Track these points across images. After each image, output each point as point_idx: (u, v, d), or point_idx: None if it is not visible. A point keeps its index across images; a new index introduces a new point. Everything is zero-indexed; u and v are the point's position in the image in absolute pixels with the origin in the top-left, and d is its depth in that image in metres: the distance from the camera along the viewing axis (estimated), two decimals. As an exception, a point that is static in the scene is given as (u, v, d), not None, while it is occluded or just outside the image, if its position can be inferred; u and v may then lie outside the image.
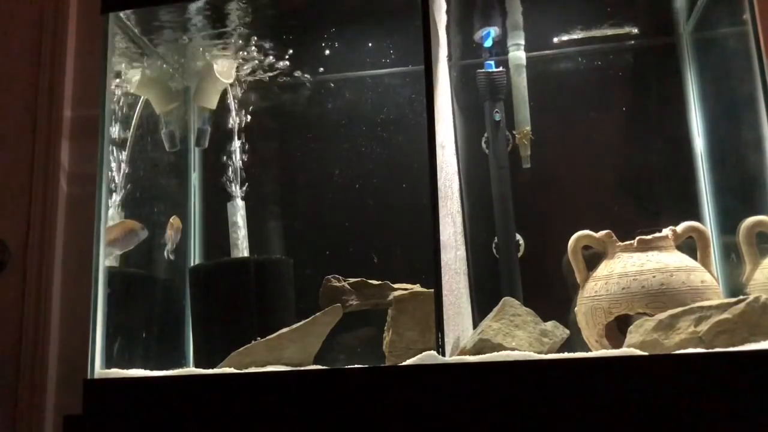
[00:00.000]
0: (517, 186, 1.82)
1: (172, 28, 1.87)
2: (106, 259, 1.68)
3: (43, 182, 1.94)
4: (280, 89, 2.07)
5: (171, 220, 1.87)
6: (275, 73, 2.03)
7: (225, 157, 2.00)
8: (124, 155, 1.86)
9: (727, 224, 1.67)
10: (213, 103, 1.98)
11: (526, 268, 1.78)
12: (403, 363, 1.37)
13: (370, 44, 2.02)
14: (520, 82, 1.84)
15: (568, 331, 1.49)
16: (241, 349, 1.53)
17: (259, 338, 1.55)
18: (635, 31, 1.89)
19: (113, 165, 1.82)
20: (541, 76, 1.90)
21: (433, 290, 1.43)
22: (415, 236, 1.70)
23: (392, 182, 1.93)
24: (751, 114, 1.50)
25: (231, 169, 1.98)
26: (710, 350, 1.26)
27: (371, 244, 1.90)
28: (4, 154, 1.99)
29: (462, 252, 1.71)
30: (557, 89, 1.91)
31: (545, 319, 1.49)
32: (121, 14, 1.79)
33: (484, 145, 1.87)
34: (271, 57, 1.99)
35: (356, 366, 1.39)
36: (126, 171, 1.85)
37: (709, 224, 1.76)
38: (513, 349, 1.39)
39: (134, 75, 1.93)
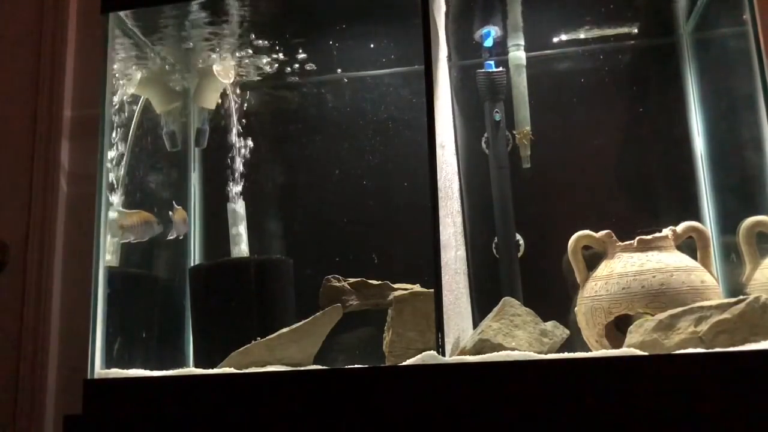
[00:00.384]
0: (517, 186, 1.82)
1: (172, 28, 1.87)
2: (106, 258, 1.68)
3: (43, 182, 1.94)
4: (279, 89, 2.07)
5: (177, 209, 1.88)
6: (275, 73, 2.03)
7: (225, 157, 2.00)
8: (124, 155, 1.86)
9: (727, 224, 1.67)
10: (212, 103, 1.98)
11: (526, 268, 1.78)
12: (403, 363, 1.37)
13: (370, 44, 2.02)
14: (520, 82, 1.84)
15: (568, 331, 1.49)
16: (241, 349, 1.53)
17: (259, 338, 1.55)
18: (635, 31, 1.89)
19: (112, 165, 1.82)
20: (541, 76, 1.90)
21: (433, 290, 1.43)
22: (415, 236, 1.70)
23: (392, 182, 1.94)
24: (751, 114, 1.50)
25: (231, 169, 1.98)
26: (710, 350, 1.26)
27: (371, 244, 1.90)
28: (4, 154, 1.99)
29: (462, 252, 1.71)
30: (557, 89, 1.91)
31: (545, 319, 1.49)
32: (121, 14, 1.78)
33: (484, 145, 1.87)
34: (270, 57, 1.99)
35: (356, 366, 1.39)
36: (126, 171, 1.85)
37: (709, 224, 1.76)
38: (513, 349, 1.39)
39: (134, 75, 1.93)
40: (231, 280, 1.79)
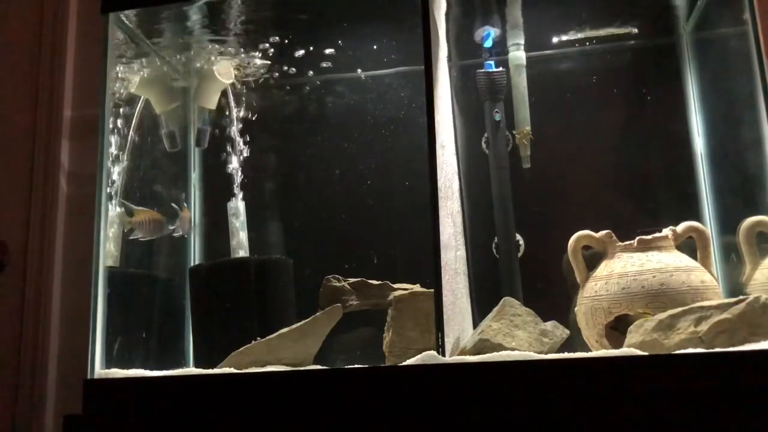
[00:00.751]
0: (517, 186, 1.82)
1: (172, 28, 1.87)
2: (113, 254, 1.69)
3: (43, 182, 1.94)
4: (279, 89, 2.07)
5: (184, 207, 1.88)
6: (275, 72, 2.03)
7: (225, 157, 2.00)
8: (124, 156, 1.86)
9: (727, 224, 1.67)
10: (213, 103, 1.98)
11: (526, 268, 1.78)
12: (403, 363, 1.37)
13: (370, 44, 2.02)
14: (520, 82, 1.84)
15: (568, 331, 1.49)
16: (241, 349, 1.53)
17: (259, 338, 1.55)
18: (635, 31, 1.89)
19: (113, 165, 1.82)
20: (541, 76, 1.90)
21: (433, 290, 1.43)
22: (415, 236, 1.70)
23: (392, 182, 1.93)
24: (751, 114, 1.50)
25: (231, 169, 1.98)
26: (710, 350, 1.26)
27: (371, 244, 1.90)
28: (4, 154, 1.99)
29: (462, 252, 1.71)
30: (557, 89, 1.91)
31: (545, 319, 1.49)
32: (121, 14, 1.78)
33: (484, 145, 1.87)
34: (270, 57, 1.99)
35: (356, 366, 1.39)
36: (126, 171, 1.85)
37: (709, 224, 1.76)
38: (513, 349, 1.39)
39: (134, 75, 1.93)
40: (231, 280, 1.79)
